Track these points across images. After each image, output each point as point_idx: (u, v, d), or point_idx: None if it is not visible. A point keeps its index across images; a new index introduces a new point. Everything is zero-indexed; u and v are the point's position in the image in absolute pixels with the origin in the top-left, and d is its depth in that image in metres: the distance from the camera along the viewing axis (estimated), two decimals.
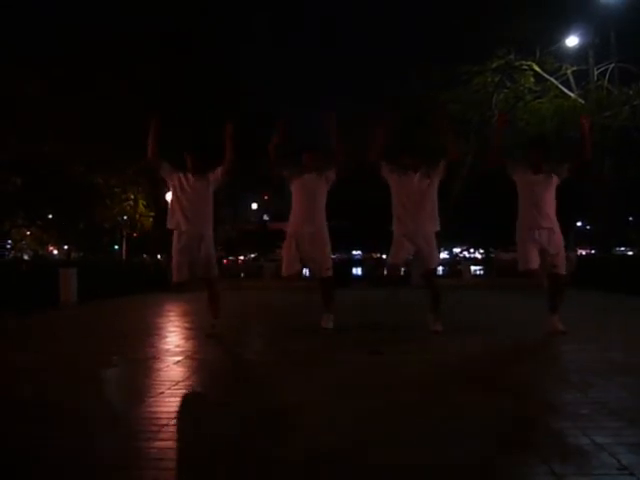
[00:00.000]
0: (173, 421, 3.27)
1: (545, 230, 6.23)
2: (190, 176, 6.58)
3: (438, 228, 6.64)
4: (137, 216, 27.49)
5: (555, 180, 6.33)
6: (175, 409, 3.53)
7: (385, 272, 6.90)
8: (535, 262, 6.28)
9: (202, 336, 6.47)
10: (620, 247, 43.56)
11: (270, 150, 6.75)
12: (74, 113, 22.24)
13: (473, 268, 28.27)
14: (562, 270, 6.28)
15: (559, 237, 6.32)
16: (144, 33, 23.40)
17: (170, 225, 6.61)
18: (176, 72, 24.05)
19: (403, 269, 7.50)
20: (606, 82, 21.45)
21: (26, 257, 41.32)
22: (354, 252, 57.14)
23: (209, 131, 24.19)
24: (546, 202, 6.29)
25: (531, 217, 6.29)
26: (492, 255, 40.25)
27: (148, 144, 6.62)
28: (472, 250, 65.73)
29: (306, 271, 8.45)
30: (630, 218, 44.58)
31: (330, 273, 6.78)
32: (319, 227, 6.75)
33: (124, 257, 29.76)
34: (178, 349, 5.71)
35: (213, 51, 26.45)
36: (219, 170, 6.64)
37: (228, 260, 37.94)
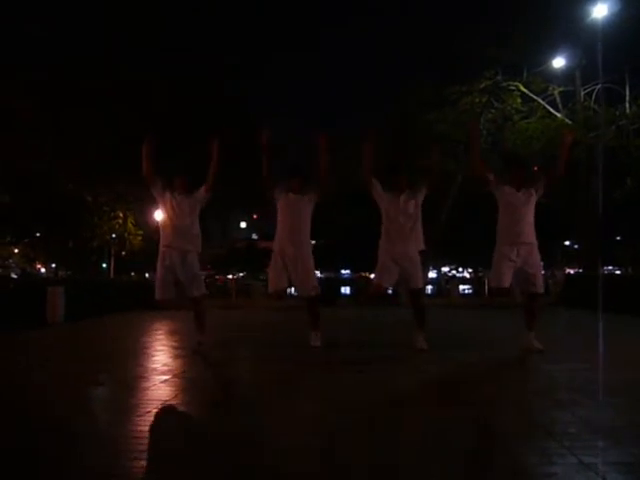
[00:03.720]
0: (160, 440, 3.25)
1: (525, 246, 6.31)
2: (177, 195, 6.70)
3: (423, 247, 6.69)
4: (126, 234, 27.43)
5: (534, 197, 6.40)
6: (162, 428, 3.50)
7: (370, 290, 6.93)
8: (507, 281, 6.37)
9: (189, 355, 6.47)
10: (608, 266, 43.74)
11: (264, 167, 6.82)
12: (63, 129, 22.24)
13: (461, 287, 28.36)
14: (540, 289, 6.39)
15: (537, 255, 6.40)
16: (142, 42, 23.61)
17: (163, 243, 6.71)
18: (172, 80, 24.19)
19: (390, 289, 7.49)
20: (592, 103, 21.68)
21: (14, 275, 41.06)
22: (343, 271, 57.18)
23: (208, 141, 24.36)
24: (527, 219, 6.38)
25: (512, 233, 6.36)
26: (481, 274, 40.27)
27: (142, 161, 6.68)
28: (461, 269, 65.82)
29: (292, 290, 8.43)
30: (618, 237, 44.83)
31: (316, 292, 6.83)
32: (303, 247, 6.81)
33: (112, 275, 29.62)
34: (165, 368, 5.68)
35: (214, 62, 26.79)
36: (203, 188, 6.75)
37: (221, 278, 37.83)
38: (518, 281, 6.38)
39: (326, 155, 6.85)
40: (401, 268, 6.60)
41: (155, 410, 3.86)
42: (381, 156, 7.41)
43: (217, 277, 39.05)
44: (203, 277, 6.80)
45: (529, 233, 6.37)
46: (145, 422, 3.60)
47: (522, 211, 6.37)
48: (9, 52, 23.07)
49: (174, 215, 6.66)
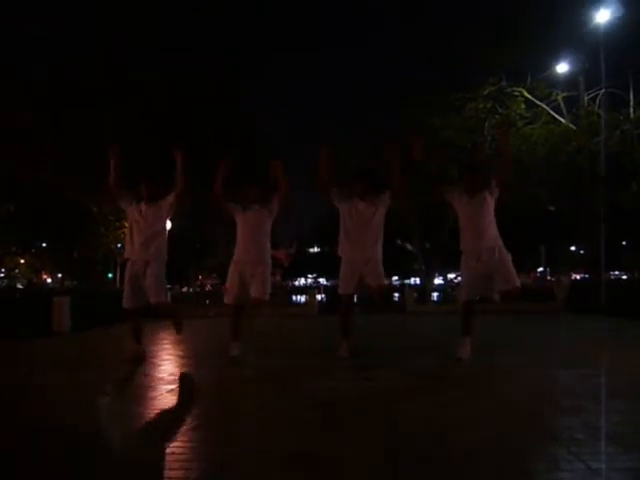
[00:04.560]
0: (166, 450, 3.25)
1: (487, 250, 6.24)
2: (143, 205, 6.72)
3: (380, 256, 6.71)
4: None
5: (490, 200, 6.36)
6: (168, 438, 3.50)
7: (342, 307, 6.88)
8: (476, 293, 6.40)
9: (196, 364, 6.49)
10: (614, 271, 43.64)
11: (216, 186, 6.88)
12: (63, 129, 22.26)
13: None
14: (516, 282, 6.23)
15: (503, 253, 6.28)
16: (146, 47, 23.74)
17: (125, 255, 6.83)
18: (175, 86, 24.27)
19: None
20: (596, 108, 21.68)
21: (20, 285, 41.15)
22: None
23: (209, 147, 24.47)
24: (485, 223, 6.33)
25: (471, 240, 6.33)
26: None
27: (109, 173, 6.78)
28: None
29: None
30: (624, 242, 44.73)
31: (266, 297, 6.84)
32: (262, 257, 6.84)
33: (118, 285, 29.64)
34: (172, 377, 5.68)
35: (214, 62, 26.87)
36: (171, 196, 6.74)
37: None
38: (493, 284, 6.34)
39: (283, 177, 6.88)
40: (362, 272, 6.63)
41: (161, 419, 3.86)
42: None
43: (223, 286, 39.11)
44: (169, 285, 6.82)
45: (489, 236, 6.31)
46: (151, 432, 3.60)
47: (478, 216, 6.34)
48: (9, 52, 23.15)
49: (137, 226, 6.69)
